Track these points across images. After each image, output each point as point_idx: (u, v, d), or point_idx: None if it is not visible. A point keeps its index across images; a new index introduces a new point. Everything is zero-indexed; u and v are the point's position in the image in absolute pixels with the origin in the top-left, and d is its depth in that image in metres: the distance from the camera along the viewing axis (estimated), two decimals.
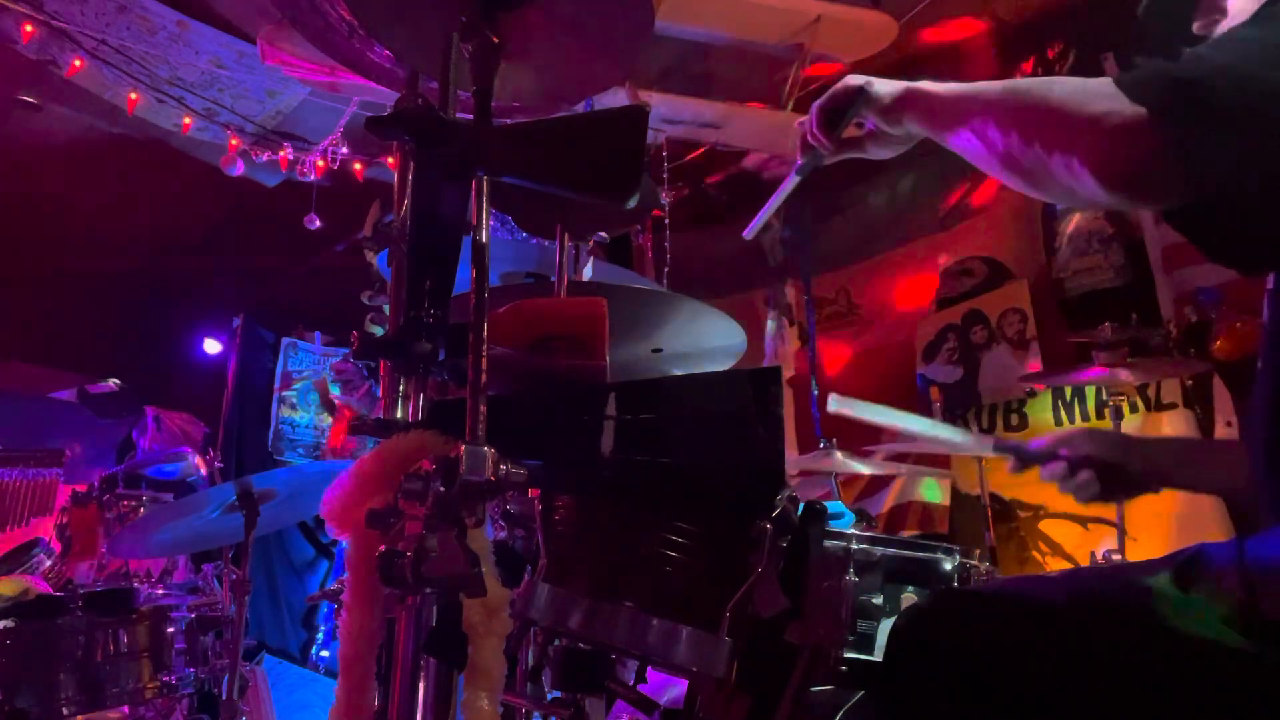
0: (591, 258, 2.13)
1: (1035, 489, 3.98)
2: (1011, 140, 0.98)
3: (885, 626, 1.67)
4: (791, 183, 1.37)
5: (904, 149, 1.29)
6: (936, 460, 4.03)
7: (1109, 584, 1.12)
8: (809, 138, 1.32)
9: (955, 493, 4.21)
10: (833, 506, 2.72)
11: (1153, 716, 0.93)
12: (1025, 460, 1.46)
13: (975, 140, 1.03)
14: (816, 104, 1.29)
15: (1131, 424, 3.50)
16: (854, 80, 1.24)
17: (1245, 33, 0.94)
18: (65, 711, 2.12)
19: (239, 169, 4.83)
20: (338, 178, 4.98)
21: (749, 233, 1.45)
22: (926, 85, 1.16)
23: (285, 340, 5.94)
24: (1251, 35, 0.92)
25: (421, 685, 0.93)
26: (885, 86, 1.21)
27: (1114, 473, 1.37)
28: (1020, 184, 1.01)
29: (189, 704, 2.60)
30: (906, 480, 4.40)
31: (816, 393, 5.03)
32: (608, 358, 1.30)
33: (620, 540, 1.18)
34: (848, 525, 2.40)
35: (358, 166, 5.02)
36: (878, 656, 1.65)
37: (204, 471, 3.85)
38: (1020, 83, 1.02)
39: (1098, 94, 0.90)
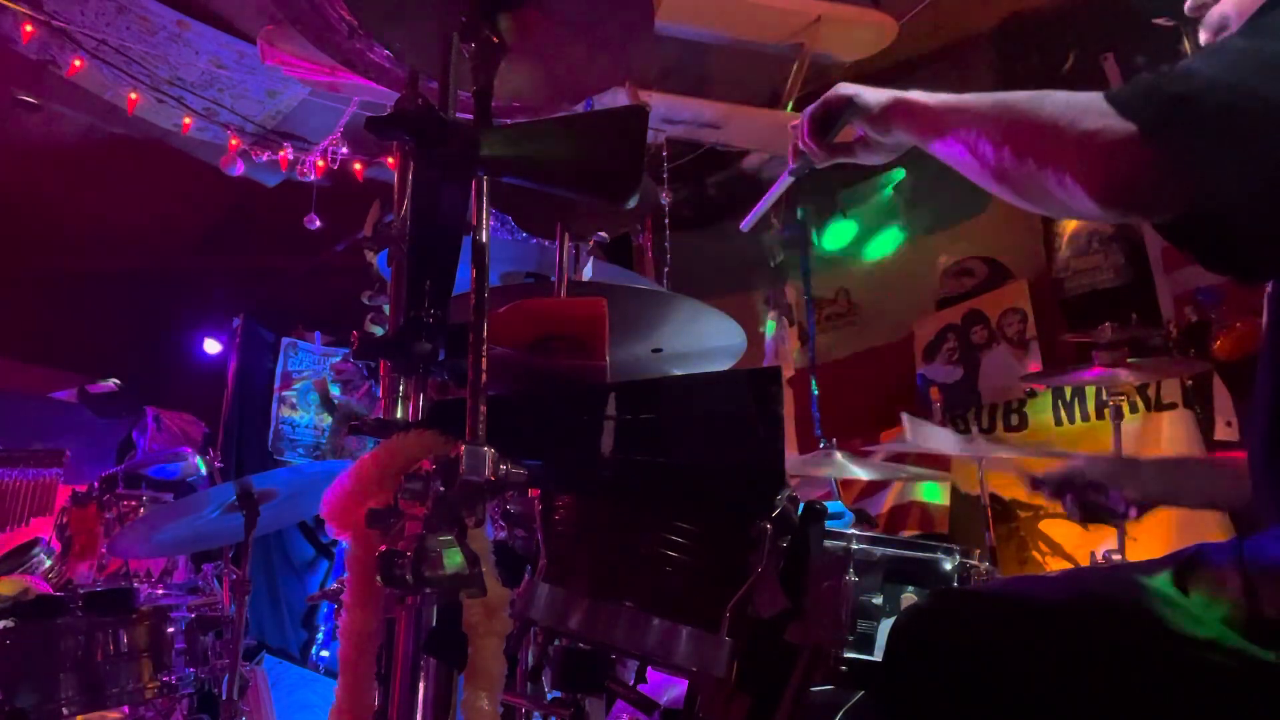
0: (591, 258, 2.13)
1: None
2: (1004, 155, 0.99)
3: (885, 626, 1.67)
4: (786, 181, 1.39)
5: (894, 156, 1.30)
6: (936, 461, 4.03)
7: (1109, 584, 1.12)
8: (800, 144, 1.33)
9: (955, 493, 4.21)
10: (832, 506, 2.73)
11: (1153, 716, 0.93)
12: (1037, 487, 1.55)
13: (966, 153, 1.04)
14: (808, 111, 1.30)
15: (1131, 424, 3.50)
16: (844, 89, 1.25)
17: (1236, 43, 0.94)
18: (65, 711, 2.12)
19: (239, 169, 4.83)
20: (338, 178, 4.97)
21: (746, 225, 1.46)
22: (915, 96, 1.16)
23: (285, 340, 5.93)
24: (1242, 46, 0.92)
25: (421, 685, 0.93)
26: (874, 96, 1.22)
27: (1094, 498, 1.46)
28: (1012, 196, 1.01)
29: (189, 704, 2.60)
30: (906, 481, 4.40)
31: (817, 393, 5.03)
32: (608, 358, 1.31)
33: (620, 540, 1.18)
34: (847, 525, 2.40)
35: (358, 166, 5.02)
36: (878, 656, 1.65)
37: (204, 471, 3.85)
38: (1010, 97, 1.01)
39: (1089, 110, 0.91)
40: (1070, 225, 4.34)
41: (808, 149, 1.32)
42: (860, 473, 3.19)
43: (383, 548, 0.86)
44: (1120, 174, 0.89)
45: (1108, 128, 0.88)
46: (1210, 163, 0.86)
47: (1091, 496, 1.45)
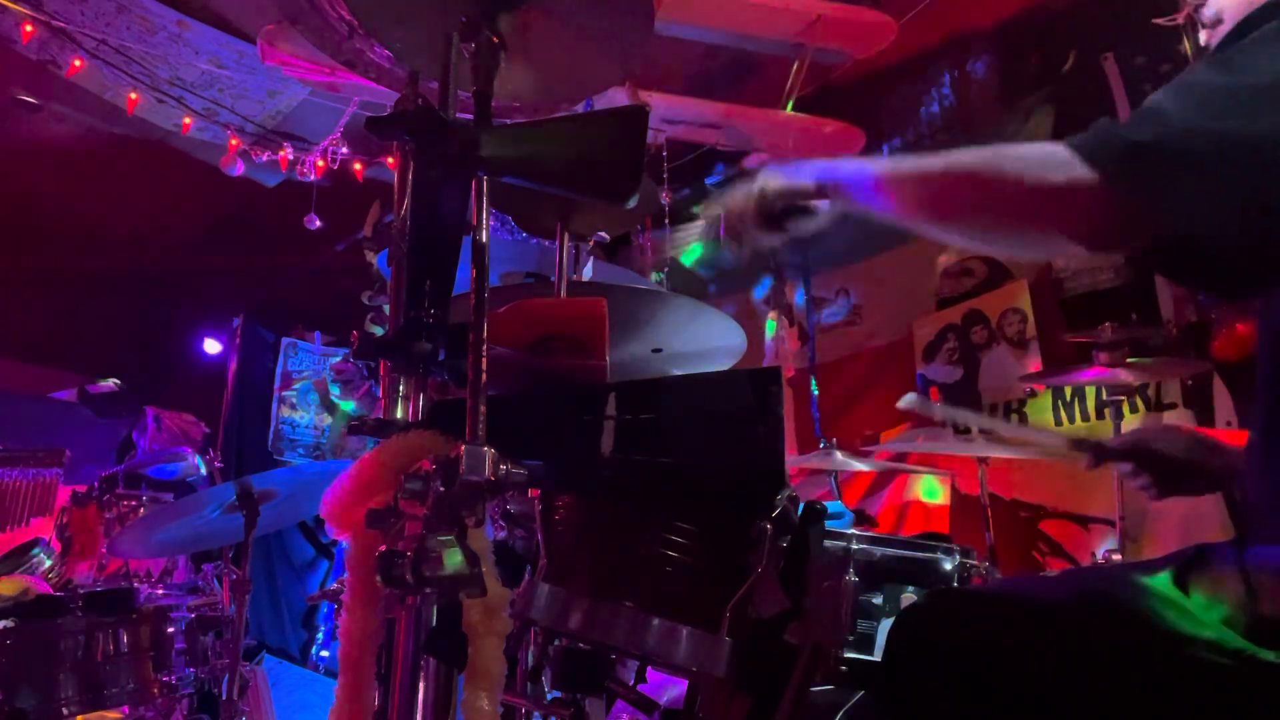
0: (591, 258, 2.13)
1: (1035, 489, 3.97)
2: (981, 217, 1.01)
3: (885, 626, 1.67)
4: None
5: (827, 222, 1.29)
6: (936, 460, 4.03)
7: (1109, 584, 1.12)
8: (745, 234, 1.27)
9: (955, 493, 4.21)
10: (832, 506, 2.72)
11: (1153, 716, 0.93)
12: (1100, 458, 1.49)
13: (925, 216, 1.05)
14: (746, 212, 1.24)
15: (1131, 424, 3.49)
16: (773, 182, 1.22)
17: (1203, 78, 0.94)
18: (65, 711, 2.12)
19: (239, 169, 4.83)
20: (338, 178, 4.97)
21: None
22: (847, 172, 1.15)
23: (285, 340, 5.94)
24: (1210, 82, 0.93)
25: (421, 685, 0.93)
26: (803, 180, 1.20)
27: (1176, 476, 1.41)
28: (982, 248, 1.03)
29: (189, 704, 2.60)
30: (907, 480, 4.40)
31: (817, 393, 5.03)
32: (608, 358, 1.31)
33: (620, 540, 1.18)
34: (847, 525, 2.40)
35: (358, 166, 5.02)
36: (878, 656, 1.65)
37: (204, 471, 3.85)
38: (963, 159, 1.01)
39: (1054, 163, 0.92)
40: None
41: (747, 236, 1.27)
42: (861, 466, 3.19)
43: (383, 548, 0.86)
44: (1095, 221, 0.92)
45: (1074, 179, 0.90)
46: (1176, 203, 0.88)
47: (1171, 475, 1.41)
